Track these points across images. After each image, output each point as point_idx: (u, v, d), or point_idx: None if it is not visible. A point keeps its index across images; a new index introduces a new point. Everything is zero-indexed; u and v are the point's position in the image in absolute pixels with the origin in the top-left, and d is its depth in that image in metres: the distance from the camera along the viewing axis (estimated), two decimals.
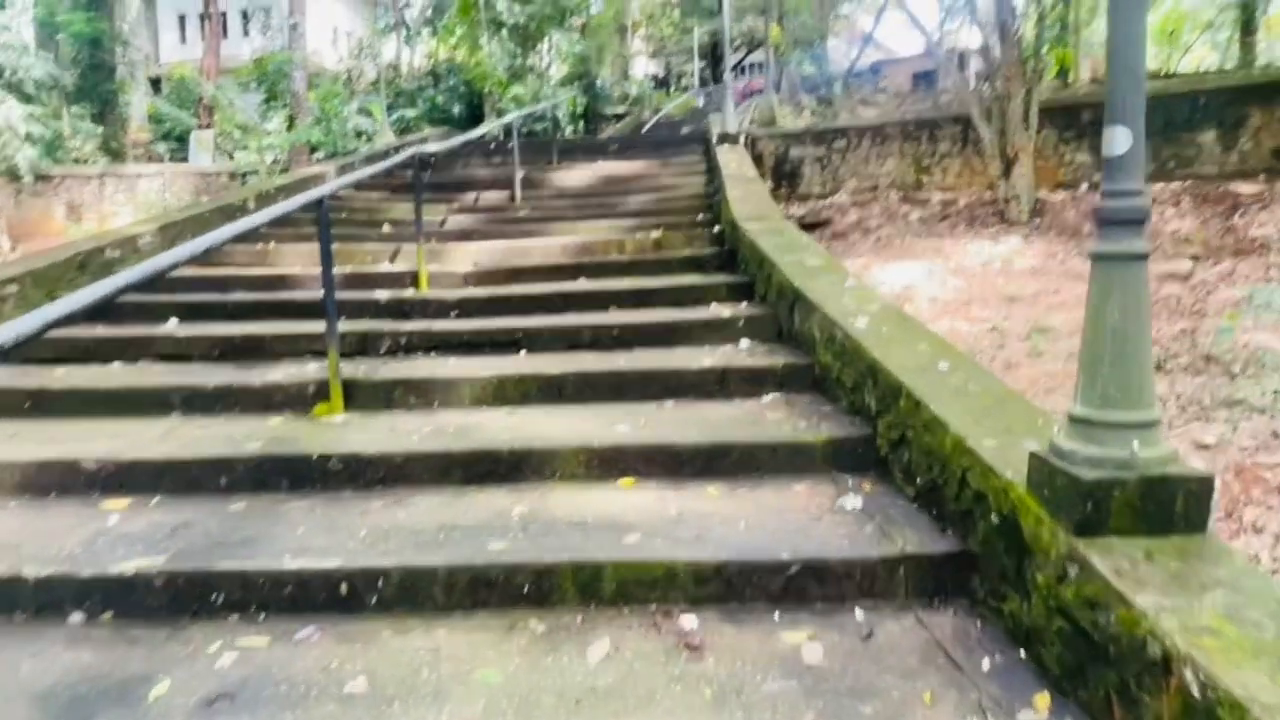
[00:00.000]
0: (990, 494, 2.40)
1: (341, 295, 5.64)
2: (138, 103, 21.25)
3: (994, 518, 2.37)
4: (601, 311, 5.31)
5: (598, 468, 3.31)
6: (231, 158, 18.57)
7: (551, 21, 20.40)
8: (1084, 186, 12.16)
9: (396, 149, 12.83)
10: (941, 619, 2.48)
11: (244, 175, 15.51)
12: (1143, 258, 2.03)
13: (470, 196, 9.22)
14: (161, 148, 19.54)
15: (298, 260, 6.86)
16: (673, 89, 27.42)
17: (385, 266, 6.49)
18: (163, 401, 4.14)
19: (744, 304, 5.28)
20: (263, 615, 2.58)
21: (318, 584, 2.59)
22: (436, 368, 4.40)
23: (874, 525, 2.78)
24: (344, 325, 5.01)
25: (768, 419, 3.66)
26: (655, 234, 6.96)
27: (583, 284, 5.87)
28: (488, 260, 6.73)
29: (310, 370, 4.40)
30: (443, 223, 8.00)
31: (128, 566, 2.66)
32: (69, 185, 16.27)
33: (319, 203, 4.14)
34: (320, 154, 16.01)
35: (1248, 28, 17.69)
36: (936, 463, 2.74)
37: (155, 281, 2.83)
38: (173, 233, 6.95)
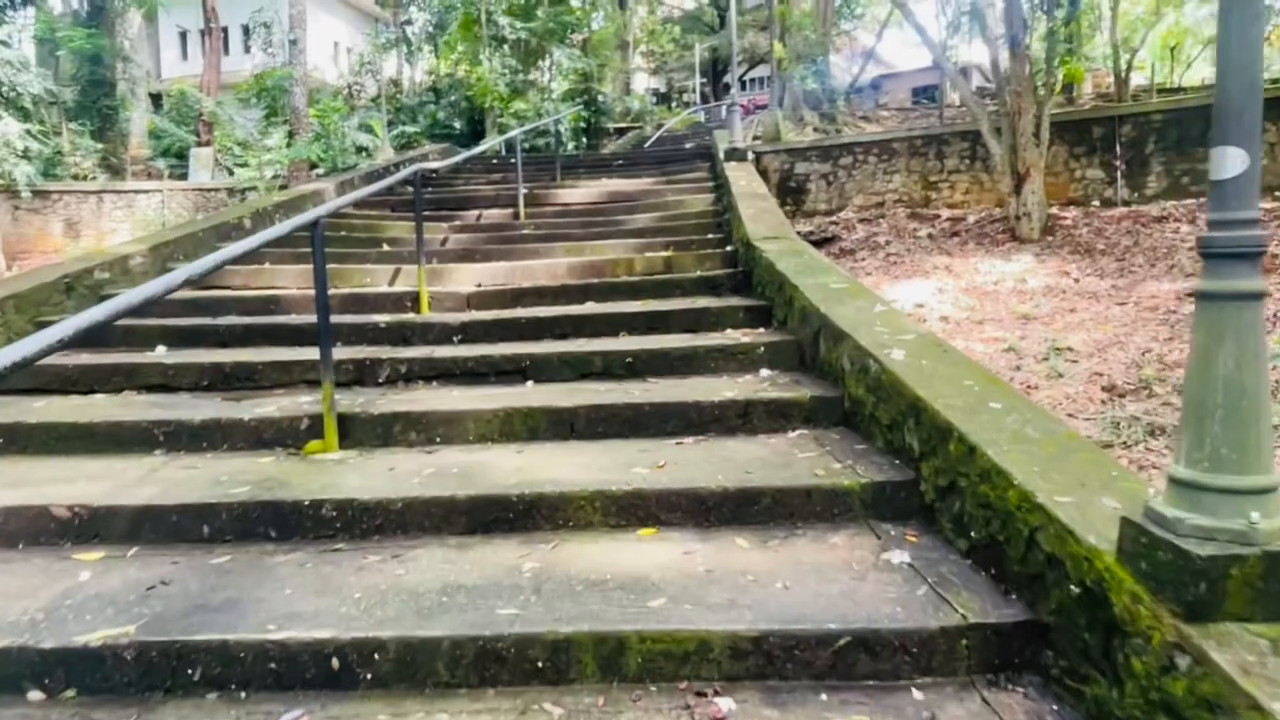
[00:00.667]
0: (1068, 561, 2.10)
1: (339, 319, 5.38)
2: (138, 119, 21.05)
3: (1073, 588, 2.08)
4: (612, 337, 5.03)
5: (615, 515, 3.01)
6: (231, 174, 18.35)
7: (553, 37, 20.23)
8: (1095, 203, 11.91)
9: (397, 165, 12.59)
10: (1011, 700, 2.17)
11: (243, 192, 15.27)
12: (1259, 297, 1.74)
13: (472, 214, 8.95)
14: (161, 164, 19.30)
15: (294, 281, 6.59)
16: (674, 104, 27.29)
17: (385, 288, 6.21)
18: (146, 438, 3.84)
19: (762, 329, 5.00)
20: (244, 694, 2.28)
21: (306, 658, 2.29)
22: (438, 399, 4.10)
23: (927, 587, 2.48)
24: (341, 352, 4.73)
25: (798, 459, 3.36)
26: (665, 253, 6.69)
27: (591, 307, 5.59)
28: (491, 281, 6.46)
29: (304, 403, 4.11)
30: (444, 241, 7.72)
31: (95, 637, 2.35)
32: (67, 202, 16.02)
33: (314, 224, 3.86)
34: (322, 170, 15.79)
35: None
36: (997, 518, 2.45)
37: (144, 308, 2.55)
38: (165, 253, 6.67)
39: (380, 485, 3.21)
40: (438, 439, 3.79)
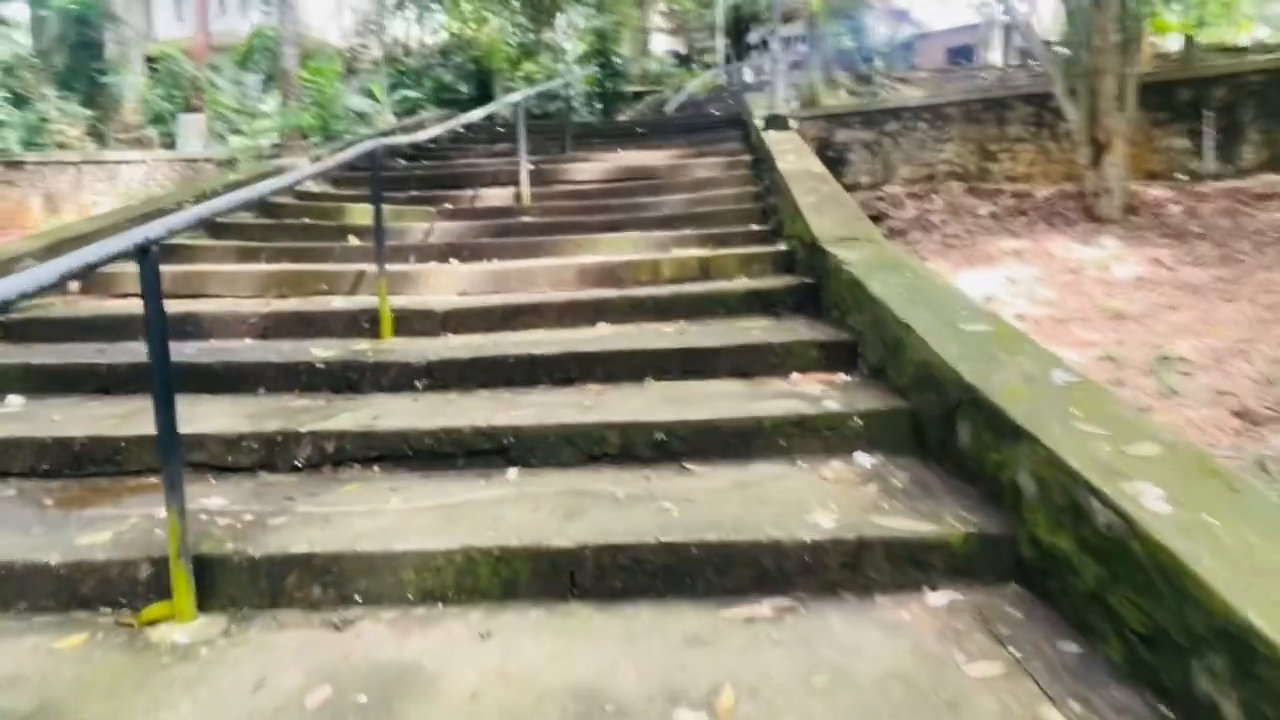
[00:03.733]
0: None
1: (266, 351, 3.87)
2: (132, 84, 19.46)
3: None
4: (634, 386, 3.49)
5: None
6: (225, 141, 16.76)
7: None
8: (1180, 176, 10.16)
9: (402, 129, 11.01)
10: None
11: (230, 162, 13.70)
12: None
13: (467, 195, 7.37)
14: (153, 132, 17.73)
15: (232, 287, 5.07)
16: (694, 66, 25.32)
17: (339, 301, 4.66)
18: None
19: (844, 374, 3.44)
20: None
21: None
22: (369, 514, 2.58)
23: None
24: (251, 408, 3.23)
25: (966, 684, 1.84)
26: (700, 252, 5.11)
27: (605, 334, 4.05)
28: (479, 290, 4.92)
29: (157, 525, 2.59)
30: (428, 232, 6.16)
31: None
32: (44, 174, 14.51)
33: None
34: (318, 138, 14.18)
35: None
36: None
37: None
38: (68, 251, 5.16)
39: None
40: (356, 598, 2.28)
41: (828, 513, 2.39)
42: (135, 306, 4.33)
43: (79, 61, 18.90)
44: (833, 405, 3.02)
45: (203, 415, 3.21)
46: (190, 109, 17.78)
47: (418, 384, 3.65)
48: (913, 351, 2.92)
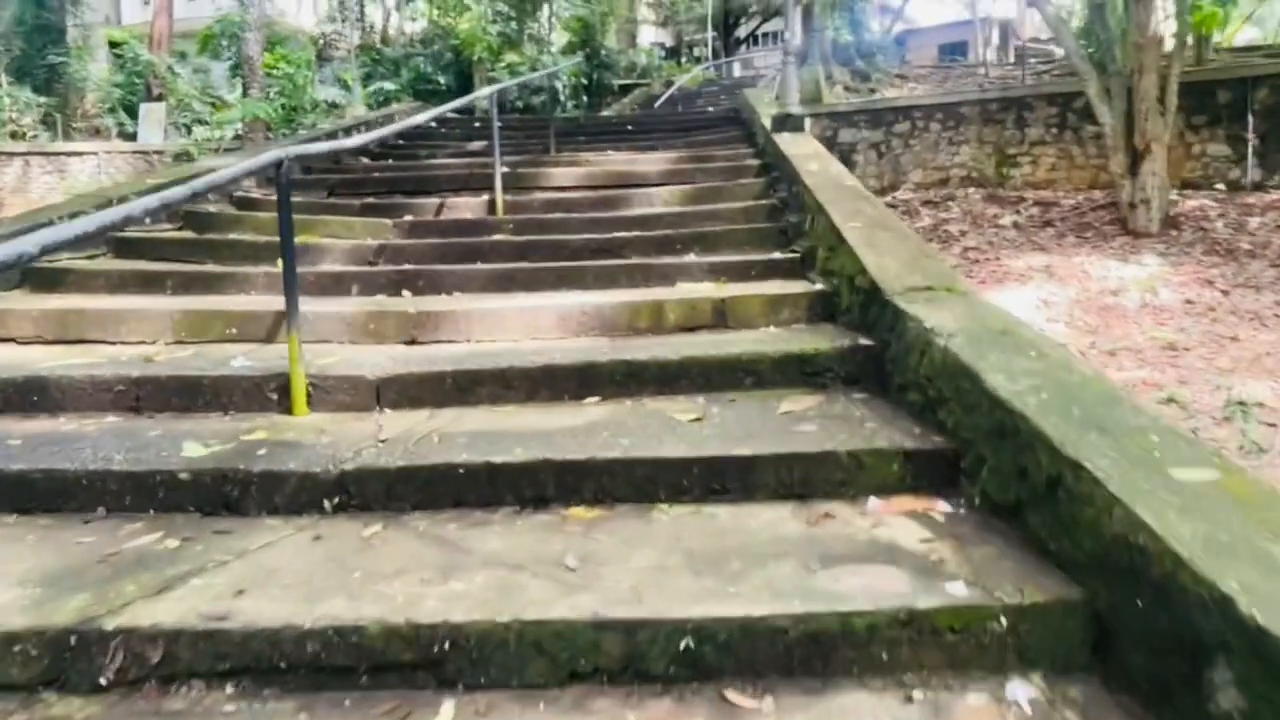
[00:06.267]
0: None
1: (121, 441, 2.66)
2: (94, 71, 17.98)
3: None
4: (639, 518, 2.32)
5: None
6: (190, 132, 15.35)
7: None
8: (1220, 186, 9.06)
9: (367, 124, 9.72)
10: None
11: (184, 155, 12.35)
12: None
13: (432, 203, 6.14)
14: (110, 121, 16.27)
15: (118, 329, 3.84)
16: (683, 60, 23.99)
17: (242, 359, 3.44)
18: None
19: (943, 504, 2.28)
20: None
21: None
22: None
23: None
24: (63, 556, 2.05)
25: None
26: (713, 291, 3.94)
27: (595, 419, 2.85)
28: (433, 339, 3.73)
29: None
30: (379, 253, 4.94)
31: None
32: None
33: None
34: (286, 130, 12.83)
35: None
36: None
37: None
38: None
39: None
40: None
41: None
42: None
43: (36, 46, 17.39)
44: (956, 585, 1.86)
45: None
46: (154, 98, 16.35)
47: (326, 504, 2.46)
48: (1091, 509, 1.76)
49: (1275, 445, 5.22)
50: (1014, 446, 2.08)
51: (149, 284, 4.44)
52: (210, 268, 4.75)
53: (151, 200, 2.51)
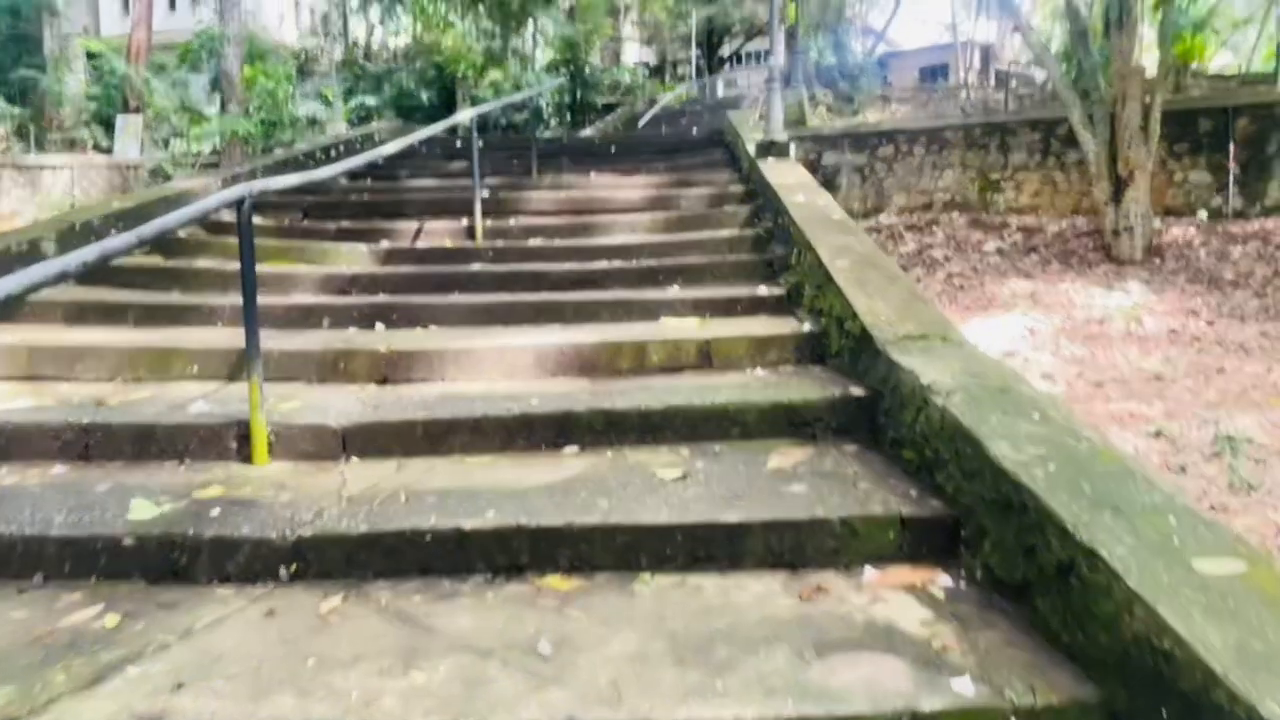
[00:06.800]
0: None
1: (65, 498, 2.45)
2: (73, 82, 17.65)
3: None
4: (619, 590, 2.15)
5: None
6: (168, 147, 15.07)
7: (536, 2, 16.93)
8: (1201, 213, 9.05)
9: (346, 143, 9.52)
10: None
11: (159, 171, 12.11)
12: None
13: (411, 227, 5.96)
14: (86, 134, 15.95)
15: (73, 366, 3.63)
16: (667, 78, 23.97)
17: (201, 402, 3.24)
18: None
19: (943, 576, 2.13)
20: None
21: None
22: None
23: None
24: None
25: None
26: (697, 330, 3.79)
27: (572, 474, 2.67)
28: (404, 379, 3.55)
29: None
30: (351, 283, 4.76)
31: None
32: None
33: None
34: (264, 145, 12.61)
35: None
36: None
37: None
38: None
39: None
40: None
41: None
42: None
43: (11, 56, 17.08)
44: (962, 681, 1.70)
45: None
46: (131, 110, 16.06)
47: (282, 571, 2.27)
48: (1109, 603, 1.62)
49: (1264, 482, 5.13)
50: (1020, 524, 1.94)
51: (110, 315, 4.23)
52: (175, 297, 4.54)
53: (90, 252, 2.30)
